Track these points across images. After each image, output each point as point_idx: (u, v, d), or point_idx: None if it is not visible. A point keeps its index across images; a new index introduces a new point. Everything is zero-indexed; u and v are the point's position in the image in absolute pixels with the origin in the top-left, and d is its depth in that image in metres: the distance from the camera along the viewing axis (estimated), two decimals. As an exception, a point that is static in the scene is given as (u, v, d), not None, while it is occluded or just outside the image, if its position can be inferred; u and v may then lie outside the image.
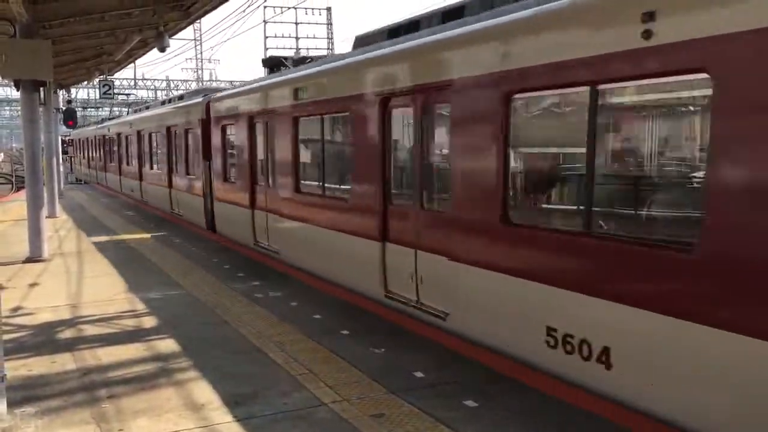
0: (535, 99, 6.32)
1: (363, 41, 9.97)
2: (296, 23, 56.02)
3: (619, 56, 5.02)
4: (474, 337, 6.84)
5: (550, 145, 6.69)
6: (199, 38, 59.83)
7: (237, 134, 13.71)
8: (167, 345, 7.21)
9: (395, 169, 8.37)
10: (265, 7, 64.93)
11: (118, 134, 28.48)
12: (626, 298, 5.04)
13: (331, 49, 53.03)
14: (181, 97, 21.18)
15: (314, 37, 56.15)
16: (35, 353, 6.99)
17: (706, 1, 4.50)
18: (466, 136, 6.81)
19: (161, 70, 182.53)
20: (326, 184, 10.23)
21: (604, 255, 5.29)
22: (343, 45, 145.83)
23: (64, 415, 5.41)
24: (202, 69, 64.01)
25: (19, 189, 33.90)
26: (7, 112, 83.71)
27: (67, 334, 7.73)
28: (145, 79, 59.20)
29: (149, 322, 8.18)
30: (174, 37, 17.38)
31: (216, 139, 15.02)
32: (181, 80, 60.51)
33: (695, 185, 5.01)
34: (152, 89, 58.79)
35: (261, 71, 15.45)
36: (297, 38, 55.88)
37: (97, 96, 38.80)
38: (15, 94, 44.81)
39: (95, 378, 6.24)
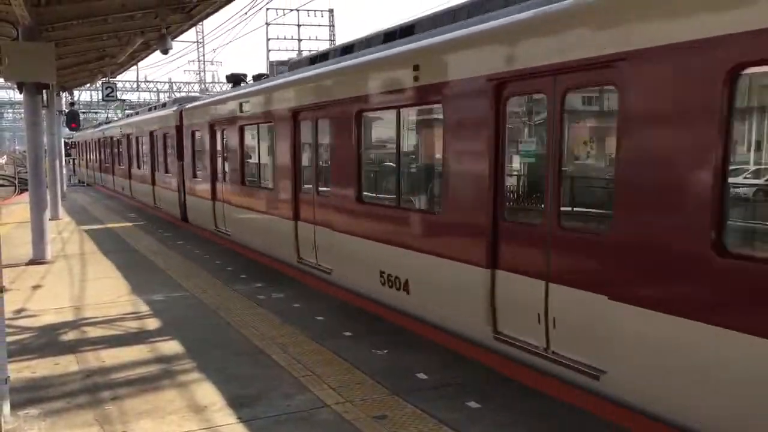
0: (373, 116, 9.05)
1: (293, 65, 12.91)
2: (298, 25, 56.11)
3: (406, 91, 7.86)
4: (345, 285, 9.55)
5: (382, 148, 9.33)
6: (201, 40, 59.97)
7: (202, 139, 16.43)
8: (170, 347, 7.22)
9: (303, 165, 11.03)
10: (267, 9, 65.22)
11: (111, 137, 30.79)
12: (413, 245, 7.84)
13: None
14: (164, 105, 23.45)
15: (316, 39, 56.26)
16: (38, 355, 7.01)
17: (435, 60, 7.40)
18: (337, 140, 9.54)
19: (164, 73, 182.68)
20: (261, 179, 13.19)
21: (404, 219, 8.14)
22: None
23: (67, 416, 5.42)
24: (204, 71, 64.11)
25: (21, 191, 33.97)
26: (10, 115, 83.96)
27: (71, 336, 7.75)
28: (148, 81, 59.31)
29: (152, 323, 8.20)
30: (176, 39, 17.49)
31: (187, 142, 17.75)
32: (183, 82, 60.62)
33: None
34: (155, 91, 58.86)
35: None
36: (299, 40, 55.98)
37: (100, 98, 39.01)
38: (18, 96, 44.99)
39: (98, 380, 6.25)
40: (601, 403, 5.30)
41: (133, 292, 9.87)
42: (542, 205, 6.05)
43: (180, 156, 18.28)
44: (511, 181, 6.69)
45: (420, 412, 5.35)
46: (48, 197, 14.34)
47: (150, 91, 59.11)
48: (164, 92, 58.27)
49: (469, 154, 6.84)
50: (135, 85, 56.73)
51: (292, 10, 59.91)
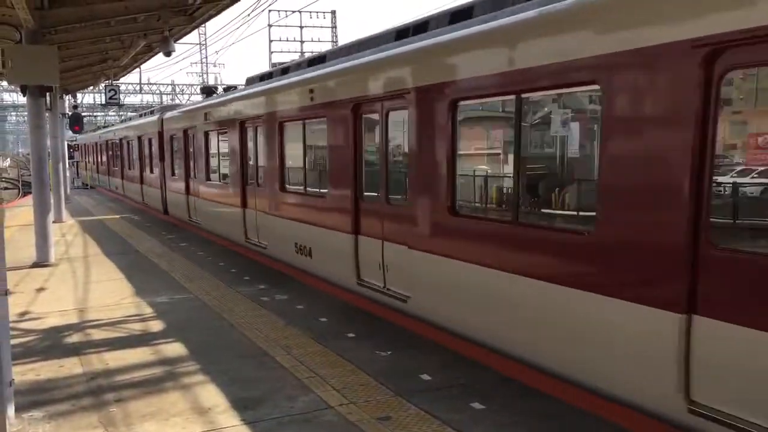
0: (290, 126, 11.59)
1: (249, 81, 15.09)
2: (301, 27, 56.16)
3: (307, 107, 10.53)
4: (273, 256, 12.24)
5: (296, 149, 11.47)
6: (204, 42, 59.96)
7: (178, 142, 19.31)
8: (174, 349, 7.24)
9: (250, 163, 13.70)
10: (269, 11, 65.24)
11: (107, 141, 33.48)
12: (313, 221, 10.46)
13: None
14: (152, 112, 25.85)
15: (319, 41, 56.30)
16: (43, 358, 7.03)
17: (321, 86, 10.11)
18: (269, 143, 12.19)
19: (167, 75, 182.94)
20: (220, 175, 15.89)
21: (307, 202, 10.87)
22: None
23: (72, 419, 5.44)
24: (207, 73, 64.06)
25: (25, 194, 34.05)
26: (14, 118, 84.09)
27: (75, 338, 7.77)
28: (151, 84, 59.30)
29: (156, 326, 8.22)
30: (179, 41, 17.58)
31: (167, 145, 20.78)
32: (186, 84, 60.55)
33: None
34: (158, 94, 58.85)
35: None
36: (301, 42, 56.04)
37: (102, 101, 39.21)
38: (21, 99, 45.08)
39: (102, 382, 6.27)
40: (601, 403, 5.30)
41: (136, 295, 9.90)
42: (379, 189, 8.68)
43: (162, 157, 21.27)
44: (365, 172, 9.14)
45: (424, 414, 5.35)
46: (51, 200, 14.37)
47: (153, 94, 59.11)
48: (167, 95, 58.29)
49: (340, 153, 9.50)
50: (138, 88, 56.77)
51: (294, 11, 59.99)
